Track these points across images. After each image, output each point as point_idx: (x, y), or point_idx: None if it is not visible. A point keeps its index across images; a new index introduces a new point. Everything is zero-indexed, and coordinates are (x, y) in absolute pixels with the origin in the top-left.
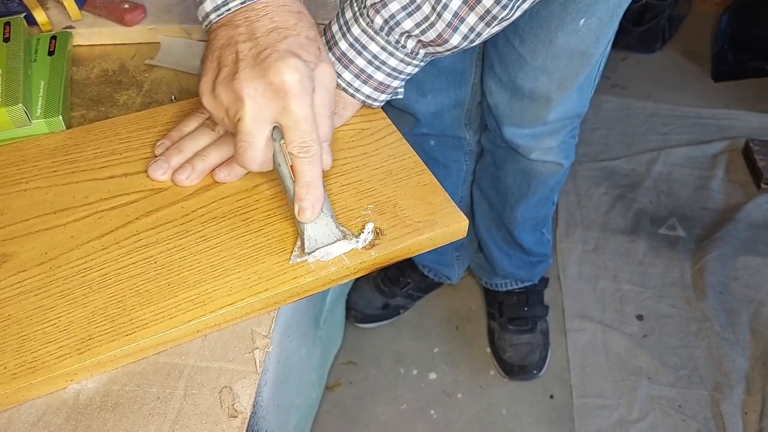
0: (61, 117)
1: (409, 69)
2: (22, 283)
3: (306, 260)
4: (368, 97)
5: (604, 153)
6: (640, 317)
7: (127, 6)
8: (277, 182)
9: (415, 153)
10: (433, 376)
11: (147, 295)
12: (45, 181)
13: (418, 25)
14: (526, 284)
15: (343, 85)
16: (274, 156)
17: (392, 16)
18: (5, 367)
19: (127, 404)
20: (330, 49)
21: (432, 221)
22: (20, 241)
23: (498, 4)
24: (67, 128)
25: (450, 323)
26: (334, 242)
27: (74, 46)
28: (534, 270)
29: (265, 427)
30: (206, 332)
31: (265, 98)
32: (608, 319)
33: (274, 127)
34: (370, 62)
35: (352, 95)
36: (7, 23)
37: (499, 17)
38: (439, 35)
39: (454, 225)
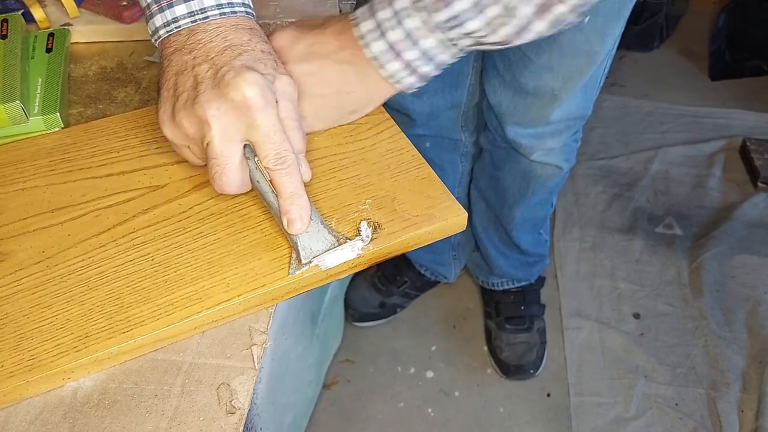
0: (58, 114)
1: (445, 57)
2: (20, 281)
3: (303, 271)
4: (375, 59)
5: (601, 152)
6: (636, 315)
7: (125, 3)
8: None
9: (414, 147)
10: (430, 374)
11: (144, 292)
12: (42, 180)
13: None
14: (523, 284)
15: (374, 53)
16: (250, 175)
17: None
18: (2, 366)
19: (125, 402)
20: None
21: (430, 215)
22: (18, 240)
23: (571, 12)
24: (64, 126)
25: (447, 322)
26: (330, 249)
27: (72, 43)
28: (531, 270)
29: (260, 424)
30: (204, 329)
31: (230, 117)
32: (605, 317)
33: (246, 146)
34: (408, 35)
35: (381, 66)
36: (5, 20)
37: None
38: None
39: (453, 218)
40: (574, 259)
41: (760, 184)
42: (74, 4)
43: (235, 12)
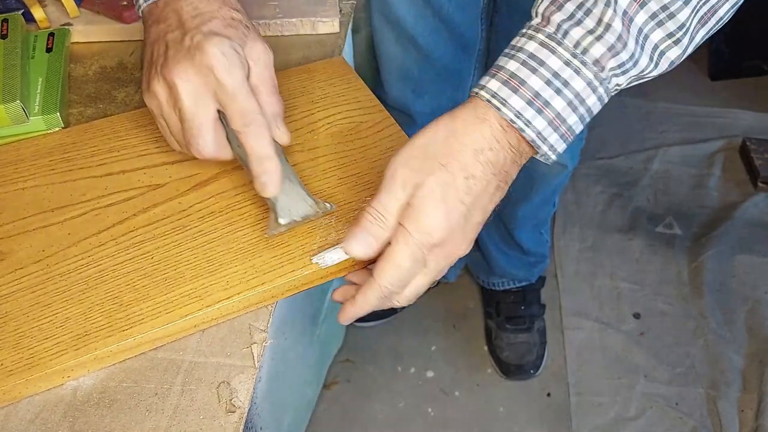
0: (58, 114)
1: (592, 99)
2: (20, 280)
3: (281, 232)
4: (539, 135)
5: (601, 151)
6: (636, 315)
7: (125, 3)
8: None
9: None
10: (430, 374)
11: (143, 290)
12: (43, 179)
13: (650, 58)
14: (524, 283)
15: (510, 116)
16: (230, 140)
17: (631, 56)
18: (2, 364)
19: (125, 400)
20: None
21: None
22: (18, 239)
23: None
24: (65, 125)
25: (447, 321)
26: (309, 214)
27: (72, 43)
28: (532, 270)
29: (259, 423)
30: (203, 327)
31: (197, 78)
32: (605, 317)
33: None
34: (549, 83)
35: (521, 129)
36: (5, 20)
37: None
38: (671, 62)
39: None
40: (574, 259)
41: (760, 184)
42: (74, 3)
43: None
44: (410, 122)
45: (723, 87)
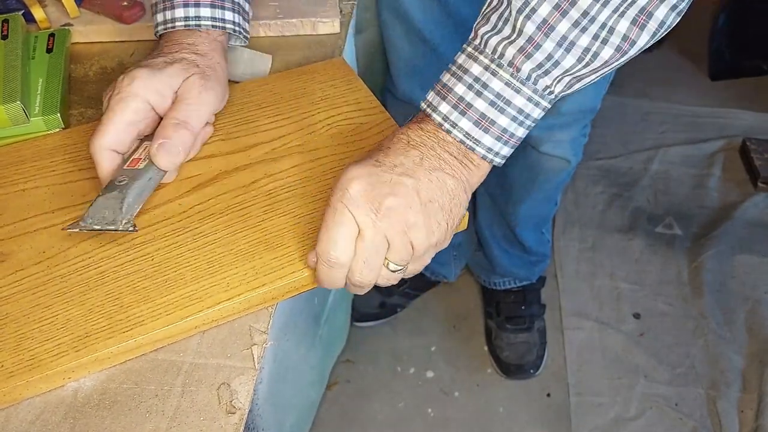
0: (59, 115)
1: (537, 112)
2: (20, 281)
3: (75, 232)
4: (489, 150)
5: (601, 152)
6: (636, 315)
7: (125, 3)
8: (276, 177)
9: None
10: (430, 374)
11: (144, 292)
12: (43, 180)
13: (579, 59)
14: (524, 283)
15: (460, 137)
16: None
17: (549, 57)
18: (2, 366)
19: (125, 402)
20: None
21: None
22: (18, 241)
23: (674, 11)
24: (65, 126)
25: (447, 321)
26: (104, 227)
27: (72, 43)
28: (533, 269)
29: (261, 425)
30: (203, 328)
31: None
32: (605, 317)
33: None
34: (470, 87)
35: (471, 148)
36: (5, 21)
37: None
38: (605, 62)
39: None
40: (574, 259)
41: (760, 184)
42: (74, 4)
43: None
44: None
45: (723, 87)
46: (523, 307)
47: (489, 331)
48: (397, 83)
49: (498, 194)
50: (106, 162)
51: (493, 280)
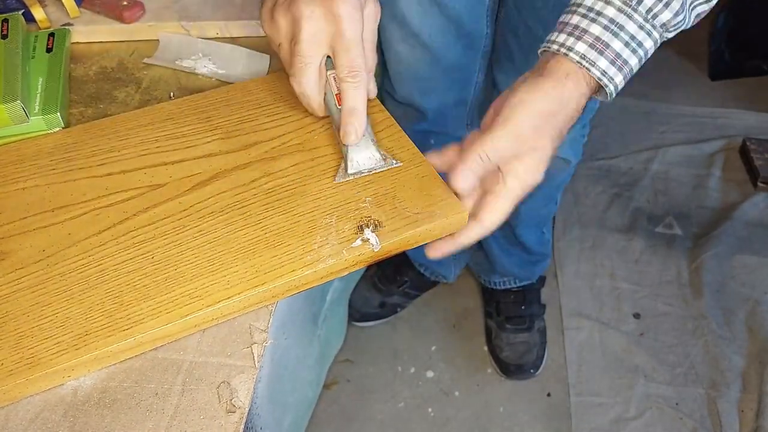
0: (59, 114)
1: (649, 43)
2: (20, 280)
3: (347, 180)
4: (604, 73)
5: (601, 152)
6: (636, 315)
7: (125, 3)
8: (275, 176)
9: (414, 145)
10: (430, 374)
11: (144, 290)
12: (43, 179)
13: None
14: (524, 283)
15: (576, 58)
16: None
17: None
18: (2, 364)
19: (125, 400)
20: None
21: (431, 212)
22: (18, 239)
23: None
24: (65, 125)
25: (447, 321)
26: (372, 169)
27: (72, 43)
28: (533, 269)
29: (259, 423)
30: (204, 327)
31: (321, 22)
32: (605, 317)
33: (327, 57)
34: (606, 27)
35: (588, 68)
36: (5, 20)
37: None
38: None
39: (454, 216)
40: (574, 259)
41: (760, 184)
42: (74, 4)
43: None
44: (420, 117)
45: (723, 87)
46: (523, 307)
47: (489, 330)
48: (396, 86)
49: None
50: (319, 97)
51: (493, 279)
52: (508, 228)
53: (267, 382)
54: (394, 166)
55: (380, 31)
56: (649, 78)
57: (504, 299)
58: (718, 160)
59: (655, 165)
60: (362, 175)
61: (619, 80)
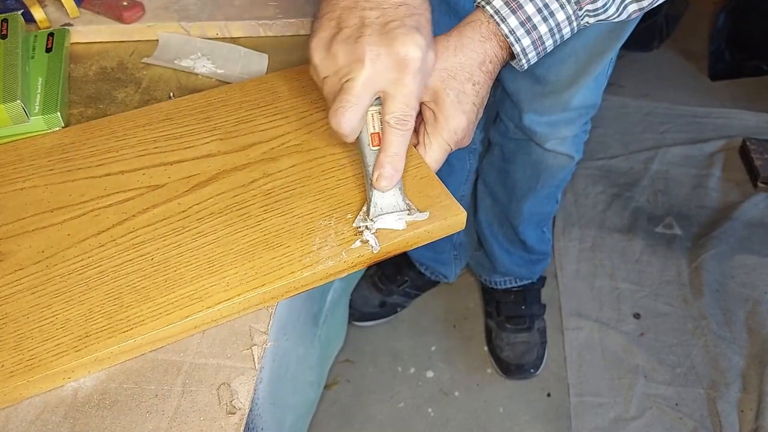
0: (59, 114)
1: (561, 15)
2: (19, 281)
3: (367, 226)
4: (512, 32)
5: (601, 152)
6: (636, 315)
7: (125, 3)
8: (274, 176)
9: (413, 147)
10: (430, 374)
11: (144, 291)
12: (41, 179)
13: None
14: (525, 282)
15: (491, 12)
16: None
17: None
18: (2, 365)
19: (125, 402)
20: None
21: (430, 214)
22: (17, 240)
23: None
24: (65, 125)
25: (447, 321)
26: (396, 212)
27: (72, 43)
28: (534, 268)
29: (260, 425)
30: (203, 328)
31: (384, 66)
32: (605, 317)
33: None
34: (539, 11)
35: (498, 24)
36: (5, 20)
37: None
38: None
39: (452, 218)
40: (574, 258)
41: (759, 184)
42: (74, 4)
43: None
44: None
45: (723, 87)
46: (523, 307)
47: (489, 330)
48: None
49: (500, 193)
50: (354, 136)
51: (494, 279)
52: (510, 226)
53: (268, 383)
54: (418, 219)
55: None
56: (649, 78)
57: (504, 299)
58: (718, 160)
59: (655, 165)
60: (382, 220)
61: (527, 44)
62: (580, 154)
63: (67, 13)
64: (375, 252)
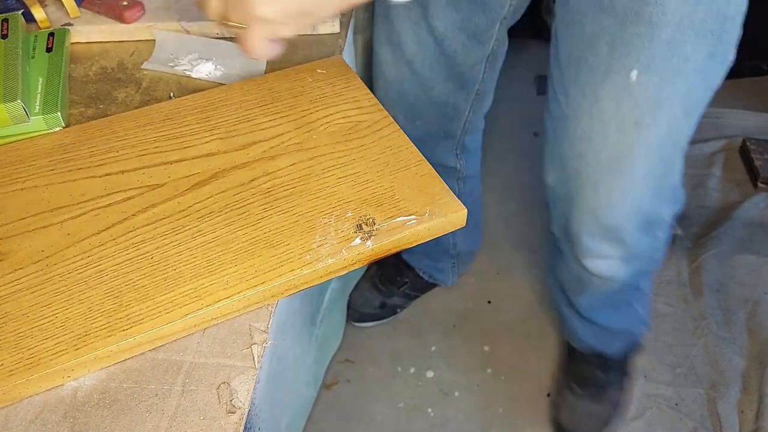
0: (59, 114)
1: None
2: (19, 280)
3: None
4: None
5: None
6: None
7: (125, 3)
8: (274, 175)
9: (413, 144)
10: (430, 374)
11: (143, 290)
12: (42, 179)
13: None
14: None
15: None
16: None
17: None
18: (2, 364)
19: (125, 401)
20: None
21: (430, 211)
22: (17, 240)
23: None
24: (65, 125)
25: (447, 322)
26: None
27: (72, 43)
28: (612, 344)
29: (258, 424)
30: (203, 327)
31: None
32: None
33: None
34: None
35: None
36: (5, 20)
37: None
38: None
39: (452, 215)
40: None
41: (760, 184)
42: (74, 4)
43: None
44: None
45: (723, 87)
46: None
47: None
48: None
49: (563, 284)
50: None
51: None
52: (577, 313)
53: (266, 383)
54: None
55: (373, 53)
56: None
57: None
58: (718, 160)
59: None
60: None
61: None
62: (648, 282)
63: (68, 13)
64: (374, 250)
